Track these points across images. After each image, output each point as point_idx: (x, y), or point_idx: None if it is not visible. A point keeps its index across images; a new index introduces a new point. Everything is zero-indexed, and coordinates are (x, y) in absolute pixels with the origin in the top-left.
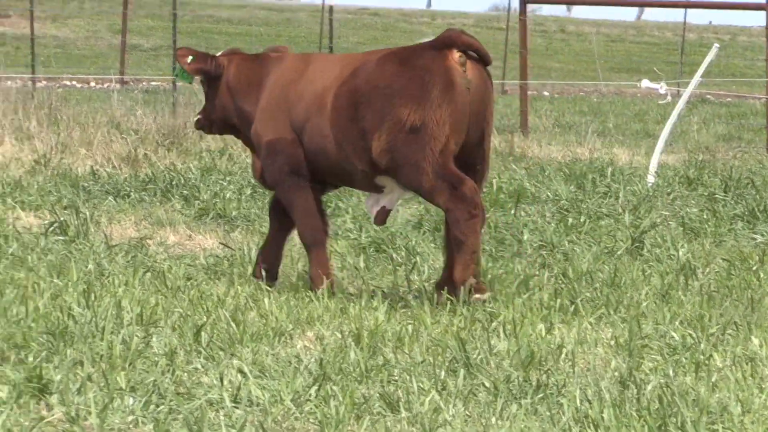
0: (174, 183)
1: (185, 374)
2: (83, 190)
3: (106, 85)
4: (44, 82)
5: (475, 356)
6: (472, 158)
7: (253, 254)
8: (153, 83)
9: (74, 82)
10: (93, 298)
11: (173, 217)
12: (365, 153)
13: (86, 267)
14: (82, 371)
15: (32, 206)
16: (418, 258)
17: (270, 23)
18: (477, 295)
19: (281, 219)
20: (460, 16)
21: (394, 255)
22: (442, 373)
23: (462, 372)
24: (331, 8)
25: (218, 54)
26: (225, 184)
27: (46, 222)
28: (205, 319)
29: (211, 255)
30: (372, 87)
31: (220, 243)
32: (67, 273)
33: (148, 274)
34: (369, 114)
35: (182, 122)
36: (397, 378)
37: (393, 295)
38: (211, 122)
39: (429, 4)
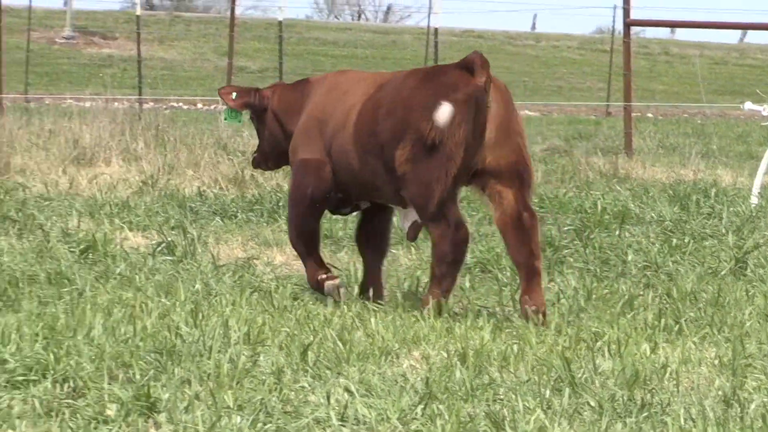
0: (280, 204)
1: (292, 393)
2: (190, 210)
3: (212, 107)
4: (151, 104)
5: (580, 375)
6: (511, 170)
7: (359, 274)
8: None
9: (181, 104)
10: (200, 317)
11: (280, 237)
12: (389, 165)
13: (194, 287)
14: (189, 390)
15: (140, 226)
16: None
17: (375, 45)
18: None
19: (372, 245)
20: (564, 38)
21: (500, 275)
22: (548, 392)
23: (567, 391)
24: (436, 30)
25: (263, 89)
26: None
27: (154, 242)
28: (312, 338)
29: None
30: (393, 101)
31: (327, 263)
32: (175, 293)
33: (256, 294)
34: (389, 128)
35: None
36: (502, 397)
37: (498, 314)
38: (266, 157)
39: (534, 27)
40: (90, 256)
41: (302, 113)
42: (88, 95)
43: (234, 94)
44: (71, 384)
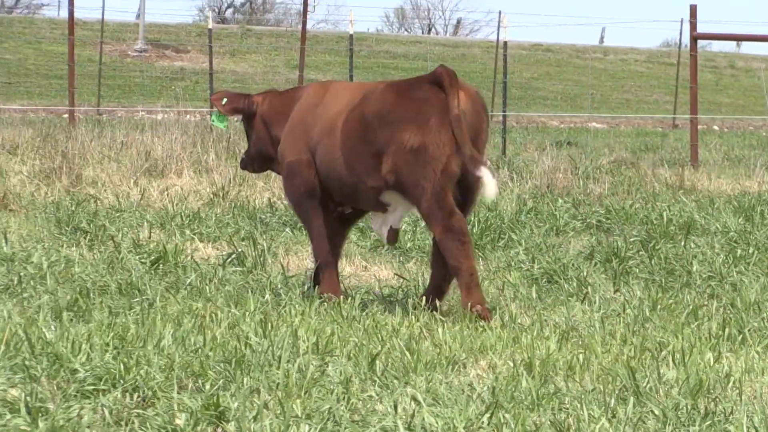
0: None
1: (360, 402)
2: (260, 221)
3: None
4: None
5: (644, 384)
6: (466, 181)
7: (428, 284)
8: None
9: None
10: (270, 327)
11: (349, 248)
12: (374, 172)
13: (263, 297)
14: (258, 399)
15: (210, 238)
16: (589, 288)
17: (445, 59)
18: (482, 320)
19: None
20: (631, 51)
21: (566, 285)
22: (612, 401)
23: (632, 400)
24: (505, 44)
25: (254, 95)
26: None
27: (224, 253)
28: (379, 348)
29: (386, 285)
30: (377, 114)
31: (395, 274)
32: (245, 303)
33: (324, 304)
34: (376, 138)
35: None
36: (567, 406)
37: (564, 324)
38: (252, 159)
39: (601, 40)
40: (161, 266)
41: (287, 119)
42: (160, 108)
43: (224, 100)
44: (141, 393)
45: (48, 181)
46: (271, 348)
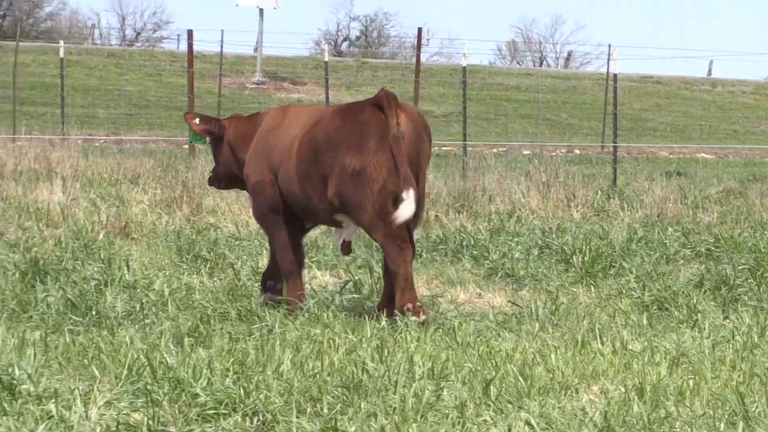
0: (464, 244)
1: (475, 426)
2: (376, 249)
3: None
4: None
5: (753, 409)
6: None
7: (541, 312)
8: (444, 148)
9: None
10: (386, 353)
11: (463, 276)
12: (324, 194)
13: (380, 323)
14: (375, 423)
15: (328, 265)
16: (699, 315)
17: (556, 90)
18: (413, 317)
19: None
20: (739, 83)
21: (676, 312)
22: (722, 425)
23: (741, 425)
24: (615, 76)
25: (222, 118)
26: (513, 244)
27: (341, 280)
28: (494, 373)
29: (500, 312)
30: (325, 138)
31: (508, 301)
32: (362, 329)
33: (440, 330)
34: (324, 162)
35: (472, 185)
36: (678, 430)
37: (675, 351)
38: (219, 178)
39: (709, 72)
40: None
41: (252, 142)
42: None
43: (197, 120)
44: (261, 417)
45: (169, 210)
46: (387, 373)
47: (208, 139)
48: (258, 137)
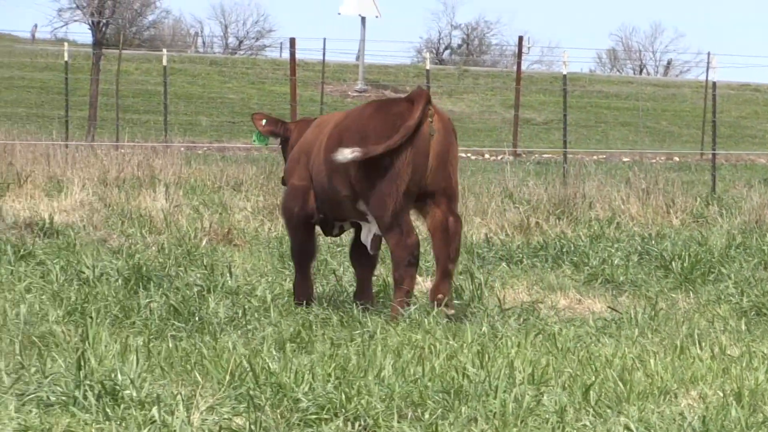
0: (564, 250)
1: (574, 431)
2: (477, 256)
3: (499, 157)
4: None
5: None
6: (441, 193)
7: (640, 317)
8: (545, 155)
9: (469, 154)
10: (487, 358)
11: (563, 282)
12: (347, 180)
13: (480, 329)
14: (476, 428)
15: (430, 272)
16: None
17: (656, 98)
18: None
19: (362, 262)
20: None
21: None
22: None
23: None
24: (714, 84)
25: (288, 122)
26: (613, 250)
27: None
28: (593, 378)
29: (600, 318)
30: (354, 125)
31: (608, 307)
32: (462, 335)
33: (540, 336)
34: (334, 146)
35: (572, 192)
36: None
37: None
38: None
39: None
40: (381, 299)
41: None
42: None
43: (264, 121)
44: (362, 423)
45: (271, 217)
46: (488, 378)
47: (269, 140)
48: (301, 141)
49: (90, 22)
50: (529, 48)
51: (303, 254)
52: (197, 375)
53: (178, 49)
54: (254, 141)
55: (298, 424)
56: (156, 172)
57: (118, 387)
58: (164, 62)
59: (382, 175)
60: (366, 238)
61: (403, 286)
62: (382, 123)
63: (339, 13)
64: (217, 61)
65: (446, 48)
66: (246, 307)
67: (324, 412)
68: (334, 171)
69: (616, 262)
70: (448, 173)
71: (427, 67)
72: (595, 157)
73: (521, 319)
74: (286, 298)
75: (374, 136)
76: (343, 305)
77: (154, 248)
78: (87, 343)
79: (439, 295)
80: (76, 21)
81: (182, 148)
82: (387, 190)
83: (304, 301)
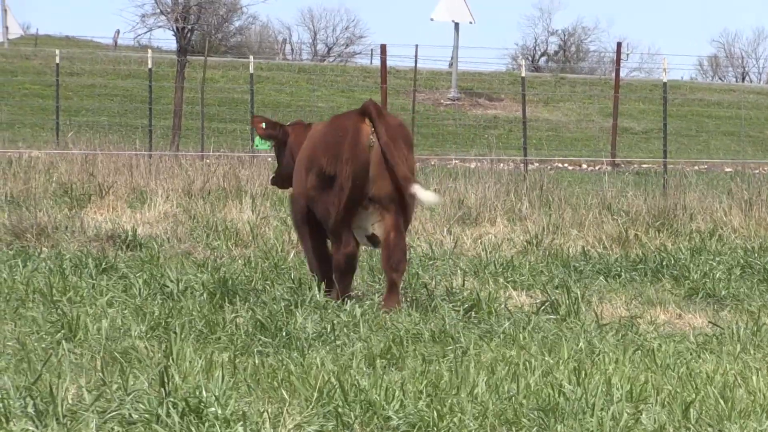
0: (664, 263)
1: None
2: (574, 269)
3: (597, 167)
4: (536, 164)
5: None
6: (389, 199)
7: (742, 333)
8: (644, 165)
9: (565, 164)
10: (583, 375)
11: (663, 296)
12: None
13: (577, 345)
14: None
15: (524, 285)
16: None
17: (759, 107)
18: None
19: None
20: None
21: None
22: None
23: None
24: None
25: (286, 124)
26: (714, 264)
27: (538, 301)
28: (693, 395)
29: (701, 333)
30: (311, 140)
31: (709, 322)
32: (558, 351)
33: (638, 352)
34: (305, 158)
35: (672, 203)
36: None
37: None
38: (282, 179)
39: None
40: (474, 314)
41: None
42: (473, 156)
43: (263, 124)
44: None
45: None
46: (584, 396)
47: (271, 144)
48: (303, 149)
49: (174, 28)
50: (627, 55)
51: (315, 258)
52: (284, 392)
53: (265, 56)
54: (256, 146)
55: None
56: (242, 183)
57: (202, 404)
58: (251, 70)
59: (327, 186)
60: (361, 238)
61: (338, 287)
62: (330, 137)
63: (431, 19)
64: (305, 68)
65: (542, 55)
66: (335, 321)
67: (415, 430)
68: (300, 182)
69: (717, 275)
70: (389, 182)
71: (523, 75)
72: (696, 167)
73: (619, 335)
74: (376, 313)
75: (323, 150)
76: (435, 320)
77: (240, 261)
78: (171, 359)
79: (387, 308)
80: (159, 27)
81: (269, 159)
82: (331, 200)
83: (339, 299)
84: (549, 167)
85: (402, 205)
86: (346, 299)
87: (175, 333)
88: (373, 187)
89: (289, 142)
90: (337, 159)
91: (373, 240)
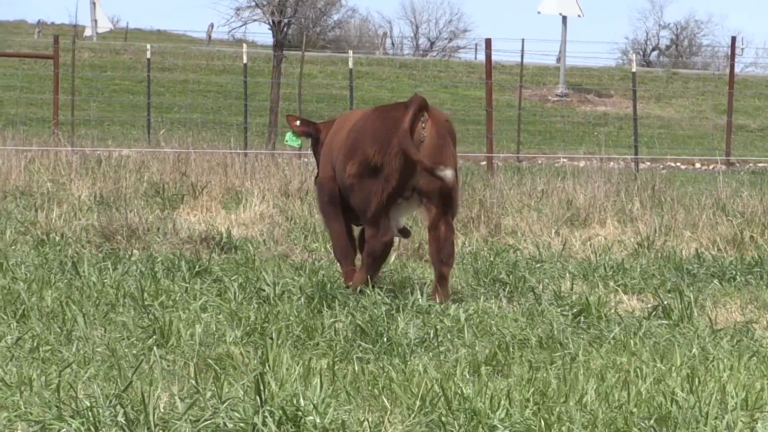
0: None
1: None
2: (687, 273)
3: (711, 167)
4: (648, 163)
5: None
6: (436, 193)
7: None
8: (760, 164)
9: (678, 163)
10: (697, 382)
11: None
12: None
13: (690, 351)
14: None
15: (635, 289)
16: None
17: None
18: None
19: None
20: None
21: None
22: None
23: None
24: None
25: (318, 123)
26: None
27: (649, 305)
28: None
29: None
30: (358, 128)
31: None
32: (671, 357)
33: (754, 359)
34: (347, 145)
35: None
36: None
37: None
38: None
39: None
40: (583, 319)
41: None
42: (582, 154)
43: (298, 122)
44: None
45: (465, 231)
46: (698, 404)
47: (302, 141)
48: (328, 139)
49: (270, 21)
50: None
51: (340, 243)
52: (385, 400)
53: (365, 50)
54: (287, 141)
55: None
56: None
57: (300, 413)
58: (350, 65)
59: (371, 176)
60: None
61: (368, 272)
62: (379, 128)
63: (539, 12)
64: (407, 63)
65: (654, 49)
66: (438, 327)
67: None
68: (339, 167)
69: None
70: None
71: (633, 70)
72: None
73: (734, 341)
74: (481, 318)
75: (371, 140)
76: (543, 325)
77: (338, 265)
78: (267, 366)
79: (438, 300)
80: (255, 21)
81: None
82: (373, 190)
83: (358, 288)
84: (661, 166)
85: (450, 199)
86: (372, 287)
87: (271, 338)
88: (422, 181)
89: (321, 139)
90: (386, 150)
91: (403, 232)
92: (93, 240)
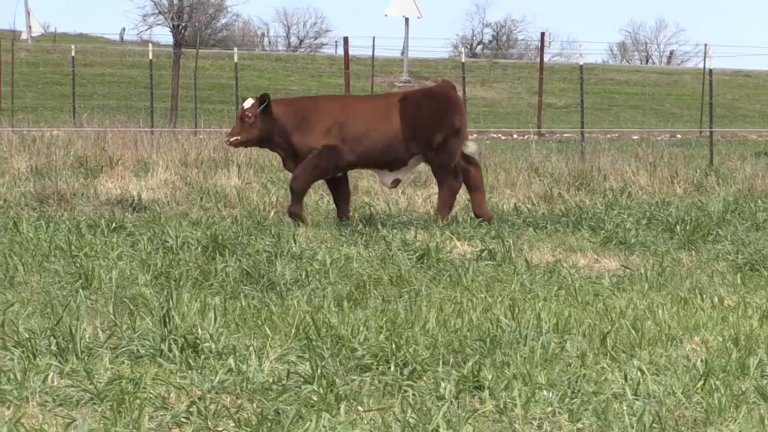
0: (583, 216)
1: (594, 373)
2: (507, 223)
3: (526, 137)
4: (475, 135)
5: None
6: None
7: (649, 274)
8: (565, 135)
9: (500, 135)
10: (517, 311)
11: (582, 244)
12: (416, 143)
13: (511, 286)
14: (508, 371)
15: (466, 237)
16: None
17: (660, 84)
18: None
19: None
20: None
21: (765, 272)
22: None
23: None
24: (710, 71)
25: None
26: (625, 216)
27: (478, 249)
28: (609, 327)
29: (614, 275)
30: (420, 107)
31: (621, 265)
32: (496, 291)
33: (562, 291)
34: (430, 117)
35: (589, 166)
36: None
37: (765, 305)
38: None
39: None
40: (425, 261)
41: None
42: None
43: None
44: (410, 367)
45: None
46: (518, 328)
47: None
48: (322, 116)
49: (171, 25)
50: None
51: (310, 182)
52: (267, 329)
53: (247, 48)
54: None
55: (355, 370)
56: (229, 155)
57: (198, 340)
58: (235, 59)
59: (455, 138)
60: (386, 179)
61: (445, 209)
62: (454, 103)
63: (386, 15)
64: (281, 57)
65: (479, 43)
66: (308, 269)
67: (377, 359)
68: (408, 138)
69: (627, 226)
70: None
71: (463, 60)
72: (608, 136)
73: (546, 277)
74: (343, 262)
75: (454, 112)
76: (392, 266)
77: (228, 220)
78: (171, 303)
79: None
80: (159, 25)
81: None
82: (457, 147)
83: (298, 221)
84: (486, 137)
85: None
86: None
87: (174, 281)
88: (464, 144)
89: (280, 118)
90: (462, 117)
91: (395, 184)
92: (30, 204)
